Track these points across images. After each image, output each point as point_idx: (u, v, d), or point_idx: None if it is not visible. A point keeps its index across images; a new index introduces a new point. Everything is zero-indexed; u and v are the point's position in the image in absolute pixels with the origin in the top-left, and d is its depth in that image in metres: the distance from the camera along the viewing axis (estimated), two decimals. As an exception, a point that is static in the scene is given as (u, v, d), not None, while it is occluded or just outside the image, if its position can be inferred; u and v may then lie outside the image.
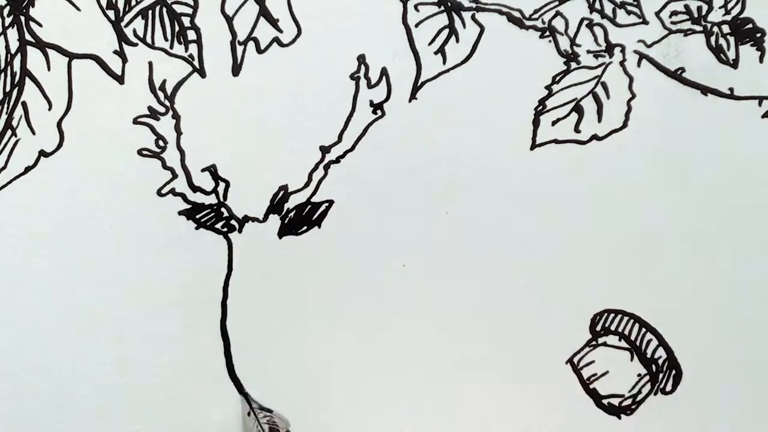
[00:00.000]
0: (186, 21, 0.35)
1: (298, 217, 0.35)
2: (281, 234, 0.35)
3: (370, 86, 0.36)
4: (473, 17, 0.37)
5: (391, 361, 0.36)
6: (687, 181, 0.37)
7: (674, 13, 0.37)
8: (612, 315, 0.36)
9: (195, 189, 0.35)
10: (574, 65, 0.37)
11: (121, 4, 0.35)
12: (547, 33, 0.37)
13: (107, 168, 0.35)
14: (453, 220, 0.36)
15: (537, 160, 0.36)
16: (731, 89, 0.37)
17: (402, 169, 0.36)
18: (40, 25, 0.35)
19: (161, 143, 0.35)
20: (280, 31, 0.36)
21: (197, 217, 0.35)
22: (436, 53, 0.36)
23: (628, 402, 0.36)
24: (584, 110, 0.37)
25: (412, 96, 0.36)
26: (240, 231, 0.35)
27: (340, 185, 0.36)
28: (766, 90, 0.37)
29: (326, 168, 0.36)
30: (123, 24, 0.35)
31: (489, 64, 0.36)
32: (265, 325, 0.35)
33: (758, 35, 0.37)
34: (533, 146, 0.36)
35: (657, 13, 0.37)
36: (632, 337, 0.36)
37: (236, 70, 0.36)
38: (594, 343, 0.36)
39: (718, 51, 0.37)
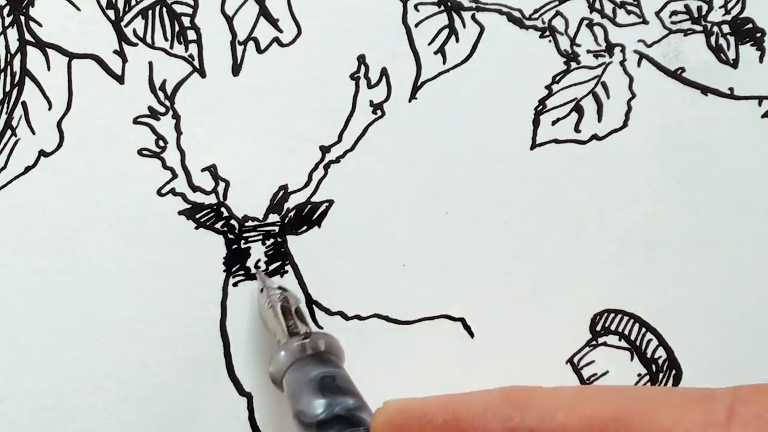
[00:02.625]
0: (186, 21, 0.36)
1: (298, 216, 0.35)
2: (281, 234, 0.35)
3: (370, 86, 0.36)
4: (473, 17, 0.37)
5: (390, 361, 0.35)
6: (687, 180, 0.37)
7: (674, 12, 0.37)
8: (612, 315, 0.36)
9: (195, 189, 0.35)
10: (574, 65, 0.37)
11: (121, 4, 0.35)
12: (547, 33, 0.37)
13: (107, 168, 0.35)
14: (453, 220, 0.36)
15: (537, 160, 0.36)
16: (731, 89, 0.37)
17: (402, 169, 0.36)
18: (39, 24, 0.35)
19: (161, 143, 0.35)
20: (280, 31, 0.36)
21: (197, 216, 0.35)
22: (436, 53, 0.36)
23: (628, 402, 0.36)
24: (584, 110, 0.37)
25: (412, 96, 0.36)
26: (240, 230, 0.35)
27: (340, 185, 0.36)
28: (766, 90, 0.37)
29: (326, 168, 0.36)
30: (123, 24, 0.35)
31: (489, 63, 0.37)
32: (265, 325, 0.35)
33: (758, 35, 0.37)
34: (533, 146, 0.36)
35: (657, 13, 0.37)
36: (632, 337, 0.36)
37: (236, 70, 0.36)
38: (594, 342, 0.36)
39: (718, 51, 0.37)
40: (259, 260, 0.35)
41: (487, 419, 0.20)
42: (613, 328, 0.36)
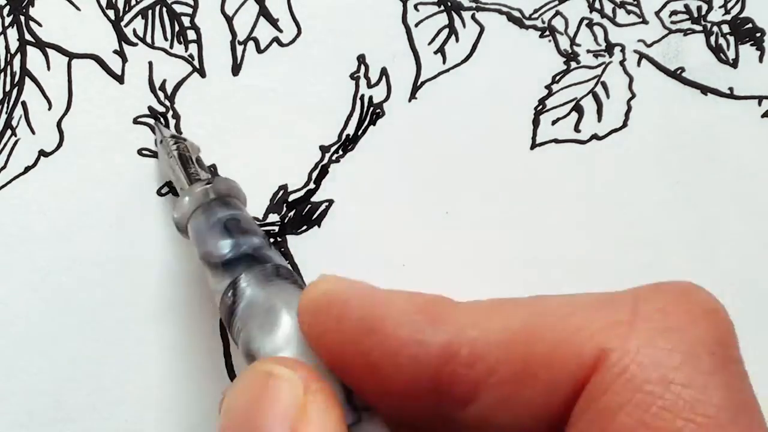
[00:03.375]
0: (186, 21, 0.36)
1: (298, 216, 0.35)
2: (281, 234, 0.35)
3: (369, 86, 0.36)
4: (473, 17, 0.37)
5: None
6: (687, 180, 0.37)
7: (674, 12, 0.37)
8: (612, 315, 0.36)
9: (195, 189, 0.35)
10: (573, 65, 0.37)
11: (120, 4, 0.35)
12: (547, 32, 0.37)
13: (107, 168, 0.35)
14: (453, 219, 0.36)
15: (537, 160, 0.36)
16: (731, 89, 0.37)
17: (402, 169, 0.36)
18: (39, 24, 0.35)
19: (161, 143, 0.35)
20: (280, 30, 0.36)
21: (197, 216, 0.35)
22: (435, 53, 0.36)
23: (629, 402, 0.36)
24: (584, 110, 0.37)
25: (412, 95, 0.36)
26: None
27: (340, 185, 0.36)
28: (766, 90, 0.37)
29: (326, 168, 0.36)
30: (123, 24, 0.35)
31: (489, 63, 0.37)
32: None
33: (758, 35, 0.37)
34: (533, 146, 0.36)
35: (657, 13, 0.37)
36: (632, 337, 0.36)
37: (236, 69, 0.36)
38: (594, 342, 0.36)
39: (717, 51, 0.37)
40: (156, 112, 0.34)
41: (400, 326, 0.20)
42: (613, 327, 0.36)
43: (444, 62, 0.36)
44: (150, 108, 0.35)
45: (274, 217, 0.35)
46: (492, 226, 0.36)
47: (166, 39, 0.35)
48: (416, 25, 0.36)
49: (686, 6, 0.37)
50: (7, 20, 0.35)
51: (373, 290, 0.22)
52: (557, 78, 0.37)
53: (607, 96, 0.37)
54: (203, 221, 0.29)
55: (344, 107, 0.36)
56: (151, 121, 0.35)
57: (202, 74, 0.35)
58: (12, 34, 0.35)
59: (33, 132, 0.35)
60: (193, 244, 0.29)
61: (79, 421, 0.33)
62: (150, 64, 0.35)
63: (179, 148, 0.33)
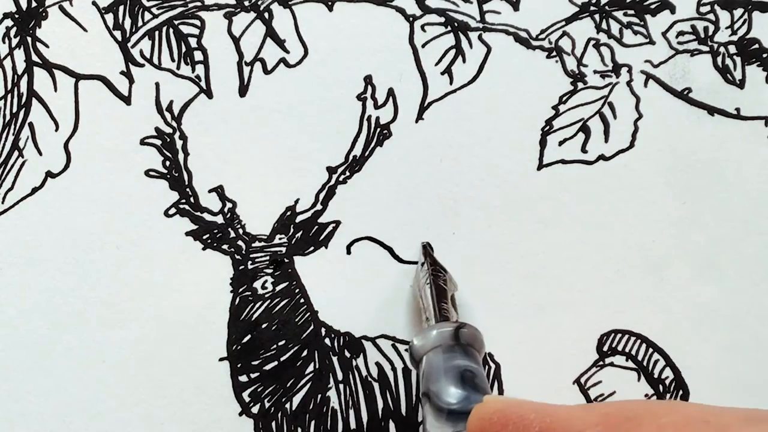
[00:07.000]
0: (193, 42, 0.36)
1: (305, 237, 0.35)
2: (288, 255, 0.35)
3: (376, 107, 0.36)
4: (480, 37, 0.37)
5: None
6: (694, 200, 0.37)
7: (681, 33, 0.37)
8: (619, 335, 0.36)
9: (202, 210, 0.35)
10: (580, 85, 0.37)
11: (127, 25, 0.35)
12: (554, 53, 0.37)
13: (114, 189, 0.35)
14: (460, 240, 0.36)
15: (544, 180, 0.36)
16: (738, 109, 0.37)
17: (409, 190, 0.36)
18: (46, 45, 0.35)
19: (168, 164, 0.35)
20: (287, 51, 0.36)
21: (204, 237, 0.35)
22: (442, 73, 0.36)
23: (636, 422, 0.36)
24: (591, 130, 0.37)
25: (419, 116, 0.36)
26: (247, 251, 0.35)
27: (347, 206, 0.36)
28: (772, 110, 0.37)
29: (333, 188, 0.36)
30: (130, 45, 0.35)
31: (496, 84, 0.37)
32: (271, 346, 0.35)
33: (765, 55, 0.37)
34: (540, 166, 0.36)
35: (664, 34, 0.37)
36: (639, 358, 0.36)
37: (243, 90, 0.36)
38: (601, 363, 0.36)
39: (724, 71, 0.37)
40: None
41: None
42: (620, 348, 0.36)
43: (451, 83, 0.36)
44: (157, 129, 0.35)
45: (281, 238, 0.35)
46: (499, 247, 0.36)
47: (173, 60, 0.35)
48: (423, 46, 0.36)
49: (693, 26, 0.37)
50: (14, 41, 0.35)
51: (545, 404, 0.22)
52: (564, 98, 0.37)
53: (614, 116, 0.37)
54: (442, 361, 0.29)
55: (351, 128, 0.36)
56: (158, 141, 0.35)
57: (209, 95, 0.35)
58: (19, 55, 0.35)
59: (40, 153, 0.35)
60: (419, 376, 0.29)
61: (85, 442, 0.33)
62: (157, 84, 0.35)
63: (440, 279, 0.33)
